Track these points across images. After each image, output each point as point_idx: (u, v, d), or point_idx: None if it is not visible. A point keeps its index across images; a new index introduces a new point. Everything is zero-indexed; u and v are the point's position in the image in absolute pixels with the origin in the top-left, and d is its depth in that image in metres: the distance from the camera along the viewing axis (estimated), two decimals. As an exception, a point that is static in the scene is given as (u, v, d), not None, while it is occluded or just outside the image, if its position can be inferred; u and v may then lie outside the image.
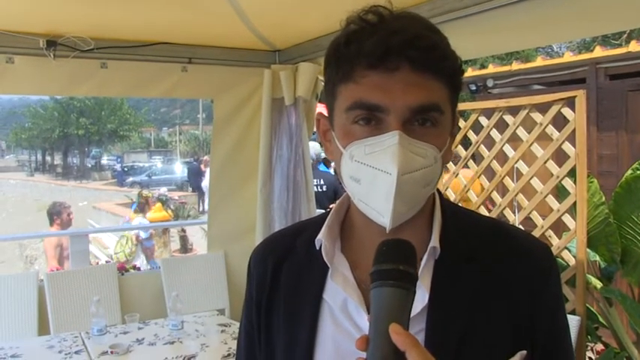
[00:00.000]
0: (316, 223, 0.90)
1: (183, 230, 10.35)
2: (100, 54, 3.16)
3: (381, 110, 0.76)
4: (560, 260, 2.73)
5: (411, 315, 0.69)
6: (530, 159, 2.86)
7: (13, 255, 12.37)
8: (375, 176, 0.76)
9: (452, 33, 0.81)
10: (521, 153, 2.94)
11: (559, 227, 2.88)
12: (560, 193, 2.98)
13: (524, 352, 0.79)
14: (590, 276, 2.94)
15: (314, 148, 5.33)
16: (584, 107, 2.59)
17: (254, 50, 3.59)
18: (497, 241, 0.86)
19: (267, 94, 3.55)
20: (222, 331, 3.02)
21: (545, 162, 2.79)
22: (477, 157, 3.44)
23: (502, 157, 3.08)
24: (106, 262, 6.36)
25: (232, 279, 3.93)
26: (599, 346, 3.21)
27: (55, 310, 3.42)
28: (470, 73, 6.61)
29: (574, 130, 2.62)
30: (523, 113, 2.88)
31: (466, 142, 3.43)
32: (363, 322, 0.80)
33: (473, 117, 3.25)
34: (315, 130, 3.80)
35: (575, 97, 2.60)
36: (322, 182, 4.99)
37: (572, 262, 2.69)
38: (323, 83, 2.53)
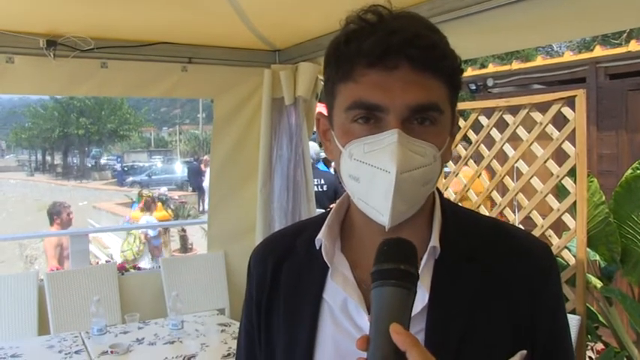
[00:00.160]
0: (316, 223, 0.90)
1: (184, 230, 10.35)
2: (100, 54, 3.16)
3: (380, 109, 0.76)
4: (560, 260, 2.73)
5: (412, 315, 0.69)
6: (530, 158, 2.86)
7: (13, 255, 12.38)
8: (374, 175, 0.76)
9: (451, 32, 0.82)
10: (521, 152, 2.94)
11: (559, 227, 2.88)
12: (560, 192, 2.98)
13: (525, 351, 0.79)
14: (590, 275, 2.94)
15: (313, 148, 5.33)
16: (584, 107, 2.59)
17: (254, 50, 3.59)
18: (497, 240, 0.86)
19: (267, 94, 3.54)
20: (222, 331, 3.02)
21: (545, 161, 2.79)
22: (477, 157, 3.44)
23: (502, 157, 3.08)
24: (106, 261, 6.36)
25: (232, 279, 3.93)
26: (600, 346, 3.21)
27: (55, 309, 3.42)
28: (470, 72, 6.61)
29: (574, 130, 2.62)
30: (523, 113, 2.88)
31: (469, 142, 3.42)
32: (363, 321, 0.80)
33: (473, 116, 3.25)
34: (314, 129, 3.79)
35: (575, 96, 2.60)
36: (322, 182, 4.99)
37: (572, 261, 2.69)
38: (323, 83, 2.53)
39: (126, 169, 31.45)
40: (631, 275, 2.99)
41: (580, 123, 2.59)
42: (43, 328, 3.40)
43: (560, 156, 2.74)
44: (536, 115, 2.81)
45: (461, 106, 3.15)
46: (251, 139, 3.73)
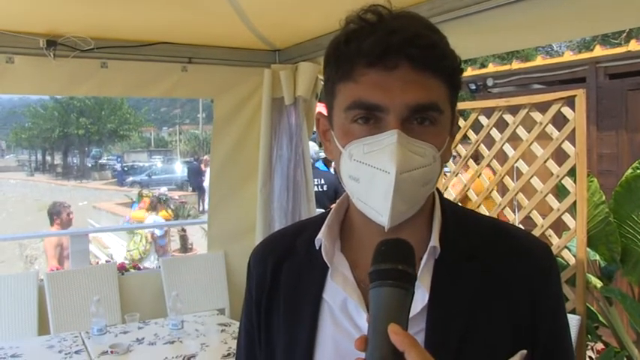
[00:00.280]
0: (316, 223, 0.90)
1: (184, 230, 10.35)
2: (100, 54, 3.16)
3: (380, 109, 0.76)
4: (560, 259, 2.73)
5: (411, 315, 0.69)
6: (530, 158, 2.86)
7: (13, 255, 12.38)
8: (373, 175, 0.76)
9: (451, 32, 0.82)
10: (521, 152, 2.94)
11: (559, 226, 2.88)
12: (560, 192, 2.98)
13: (525, 351, 0.79)
14: (590, 275, 2.94)
15: (312, 147, 5.33)
16: (584, 106, 2.59)
17: (254, 50, 3.59)
18: (497, 240, 0.86)
19: (267, 94, 3.55)
20: (222, 331, 3.02)
21: (545, 161, 2.79)
22: (478, 157, 3.44)
23: (502, 157, 3.08)
24: (106, 261, 6.36)
25: (232, 279, 3.93)
26: (600, 346, 3.21)
27: (55, 309, 3.42)
28: (470, 72, 6.61)
29: (574, 130, 2.62)
30: (523, 112, 2.88)
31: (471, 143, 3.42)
32: (363, 321, 0.80)
33: (473, 116, 3.25)
34: (314, 129, 3.80)
35: (575, 96, 2.60)
36: (323, 182, 4.99)
37: (572, 261, 2.69)
38: (323, 83, 2.53)
39: (126, 169, 31.45)
40: (631, 275, 2.99)
41: (580, 123, 2.59)
42: (43, 328, 3.40)
43: (560, 156, 2.74)
44: (536, 115, 2.81)
45: (461, 105, 3.15)
46: (251, 139, 3.73)
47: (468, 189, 3.33)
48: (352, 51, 0.77)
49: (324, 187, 4.96)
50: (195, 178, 18.64)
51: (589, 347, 3.26)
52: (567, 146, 2.67)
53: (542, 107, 2.79)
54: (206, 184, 10.65)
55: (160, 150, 42.60)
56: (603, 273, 3.08)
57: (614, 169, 5.02)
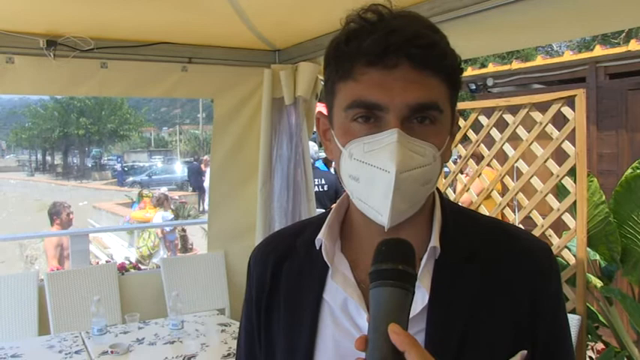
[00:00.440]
0: (316, 223, 0.90)
1: (184, 230, 10.34)
2: (100, 54, 3.16)
3: (380, 108, 0.76)
4: (560, 259, 2.73)
5: (412, 315, 0.69)
6: (530, 158, 2.86)
7: (14, 255, 12.38)
8: (373, 174, 0.76)
9: (451, 32, 0.82)
10: (521, 152, 2.94)
11: (559, 226, 2.88)
12: (560, 192, 2.98)
13: (525, 351, 0.79)
14: (590, 275, 2.94)
15: (312, 147, 5.33)
16: (584, 106, 2.59)
17: (254, 50, 3.59)
18: (497, 240, 0.85)
19: (267, 94, 3.55)
20: (222, 331, 3.02)
21: (545, 161, 2.79)
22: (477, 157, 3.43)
23: (502, 157, 3.08)
24: (106, 261, 6.36)
25: (232, 279, 3.93)
26: (600, 345, 3.21)
27: (55, 309, 3.42)
28: (470, 72, 6.61)
29: (574, 129, 2.62)
30: (523, 112, 2.88)
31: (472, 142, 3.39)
32: (364, 322, 0.80)
33: (473, 116, 3.25)
34: (314, 129, 3.79)
35: (574, 96, 2.60)
36: (323, 182, 4.98)
37: (572, 261, 2.69)
38: (323, 83, 2.53)
39: (126, 169, 31.46)
40: (631, 275, 2.99)
41: (580, 122, 2.59)
42: (43, 328, 3.40)
43: (560, 156, 2.74)
44: (536, 115, 2.81)
45: (461, 105, 3.15)
46: (251, 139, 3.73)
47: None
48: (352, 50, 0.77)
49: (325, 187, 4.96)
50: (195, 178, 18.63)
51: (589, 347, 3.26)
52: (567, 146, 2.67)
53: (542, 107, 2.79)
54: (206, 184, 10.66)
55: (160, 150, 42.64)
56: (603, 273, 3.08)
57: (614, 169, 5.02)
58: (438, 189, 0.87)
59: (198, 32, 3.26)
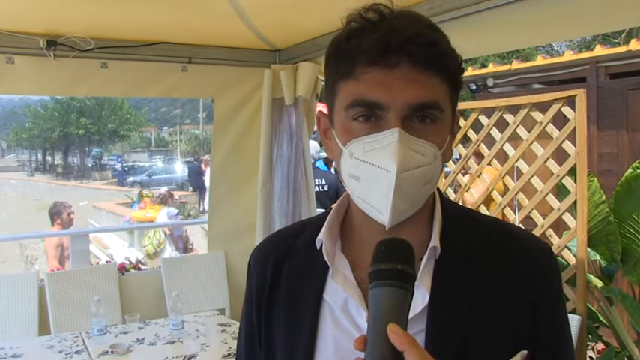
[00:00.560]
0: (317, 223, 0.90)
1: (184, 230, 10.35)
2: (101, 54, 3.16)
3: (380, 107, 0.76)
4: (560, 259, 2.73)
5: (412, 315, 0.69)
6: (531, 158, 2.86)
7: (14, 255, 12.37)
8: (374, 174, 0.76)
9: (452, 32, 0.81)
10: (522, 152, 2.94)
11: (559, 226, 2.88)
12: (560, 192, 2.98)
13: (525, 351, 0.79)
14: (590, 275, 2.94)
15: (314, 147, 5.33)
16: (585, 106, 2.59)
17: (254, 50, 3.59)
18: (498, 240, 0.85)
19: (267, 94, 3.55)
20: (223, 331, 3.02)
21: (546, 161, 2.79)
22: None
23: (502, 157, 3.08)
24: (107, 261, 6.36)
25: (232, 279, 3.93)
26: (600, 345, 3.21)
27: (55, 309, 3.42)
28: (470, 72, 6.61)
29: (574, 129, 2.61)
30: (523, 112, 2.88)
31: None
32: (364, 321, 0.80)
33: (473, 116, 3.25)
34: (314, 129, 3.79)
35: (575, 95, 2.60)
36: (324, 182, 4.98)
37: (572, 261, 2.69)
38: (323, 83, 2.52)
39: (126, 169, 31.45)
40: (631, 275, 2.99)
41: (580, 122, 2.59)
42: (43, 328, 3.40)
43: (560, 155, 2.74)
44: (537, 115, 2.81)
45: (461, 105, 3.14)
46: (251, 138, 3.73)
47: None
48: (353, 49, 0.77)
49: (325, 188, 4.96)
50: (195, 178, 18.62)
51: (589, 347, 3.26)
52: (567, 146, 2.67)
53: (543, 107, 2.79)
54: (207, 183, 10.67)
55: (161, 150, 42.64)
56: (604, 273, 3.08)
57: (615, 169, 5.02)
58: (438, 189, 0.87)
59: (199, 32, 3.26)
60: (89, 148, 37.74)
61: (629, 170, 2.95)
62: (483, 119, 3.19)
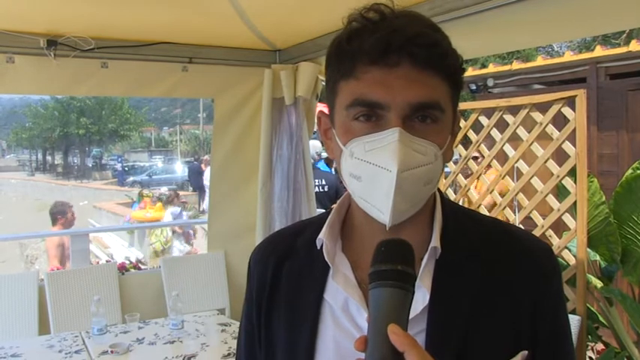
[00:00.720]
0: (317, 223, 0.90)
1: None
2: (101, 54, 3.16)
3: (381, 107, 0.76)
4: (560, 260, 2.73)
5: (412, 315, 0.68)
6: (531, 158, 2.86)
7: (14, 255, 12.37)
8: (375, 173, 0.76)
9: (452, 32, 0.81)
10: (522, 152, 2.94)
11: (559, 227, 2.88)
12: (560, 192, 2.98)
13: (526, 352, 0.79)
14: (590, 276, 2.94)
15: (315, 147, 5.33)
16: (585, 107, 2.59)
17: (254, 50, 3.59)
18: (498, 241, 0.85)
19: (267, 94, 3.55)
20: (223, 331, 3.02)
21: (546, 161, 2.79)
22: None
23: (502, 157, 3.08)
24: (107, 261, 6.36)
25: (232, 279, 3.93)
26: (600, 346, 3.21)
27: (55, 309, 3.42)
28: (470, 72, 6.61)
29: (574, 130, 2.61)
30: (523, 113, 2.88)
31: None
32: (364, 322, 0.80)
33: (473, 116, 3.25)
34: (315, 129, 3.79)
35: (575, 96, 2.60)
36: (324, 182, 4.99)
37: (572, 261, 2.69)
38: (323, 83, 2.53)
39: (126, 168, 31.44)
40: (631, 275, 2.99)
41: (580, 123, 2.59)
42: (43, 328, 3.40)
43: (560, 156, 2.74)
44: (537, 115, 2.81)
45: (461, 106, 3.13)
46: (251, 138, 3.73)
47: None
48: (354, 49, 0.77)
49: (325, 188, 4.97)
50: (195, 178, 18.61)
51: (589, 348, 3.26)
52: (568, 146, 2.67)
53: (543, 107, 2.79)
54: (207, 182, 10.68)
55: (161, 150, 42.64)
56: (603, 273, 3.08)
57: (615, 170, 5.02)
58: (439, 189, 0.87)
59: (199, 32, 3.26)
60: (89, 148, 37.73)
61: (629, 171, 2.95)
62: (483, 120, 3.19)
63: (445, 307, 0.79)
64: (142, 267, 5.09)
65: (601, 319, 3.01)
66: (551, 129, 2.76)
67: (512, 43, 2.88)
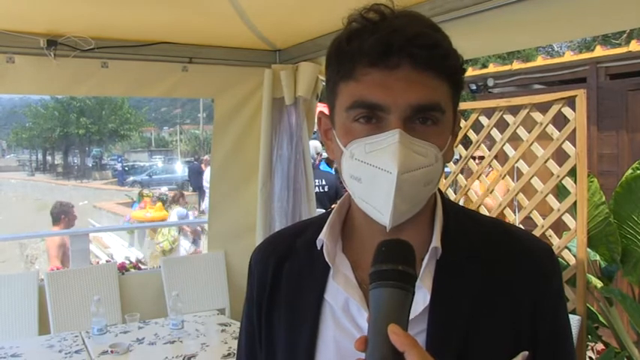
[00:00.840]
0: (317, 223, 0.90)
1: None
2: (101, 53, 3.16)
3: (381, 109, 0.76)
4: (560, 260, 2.73)
5: (413, 316, 0.68)
6: (531, 158, 2.86)
7: (14, 255, 12.37)
8: (375, 175, 0.76)
9: (452, 32, 0.81)
10: (522, 152, 2.94)
11: (559, 227, 2.87)
12: (560, 192, 2.98)
13: (527, 352, 0.79)
14: (590, 276, 2.94)
15: (316, 147, 5.33)
16: (585, 107, 2.59)
17: (254, 50, 3.59)
18: (499, 241, 0.85)
19: (267, 94, 3.55)
20: (223, 331, 3.02)
21: (546, 161, 2.78)
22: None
23: (502, 157, 3.08)
24: (107, 261, 6.36)
25: (232, 279, 3.93)
26: (600, 346, 3.21)
27: (55, 309, 3.42)
28: (470, 72, 6.61)
29: (574, 130, 2.61)
30: (523, 113, 2.88)
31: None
32: (365, 322, 0.80)
33: (473, 116, 3.25)
34: (315, 129, 3.78)
35: (575, 96, 2.60)
36: (324, 182, 4.99)
37: (572, 261, 2.69)
38: (323, 83, 2.53)
39: (126, 168, 31.43)
40: (631, 275, 2.99)
41: (580, 123, 2.59)
42: (43, 328, 3.40)
43: (560, 156, 2.74)
44: (537, 115, 2.81)
45: (461, 106, 3.12)
46: (251, 138, 3.73)
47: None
48: (354, 50, 0.77)
49: (325, 188, 4.97)
50: (195, 178, 18.59)
51: (589, 348, 3.26)
52: (568, 146, 2.67)
53: (543, 107, 2.78)
54: (206, 182, 10.68)
55: (161, 150, 42.65)
56: (603, 273, 3.08)
57: (615, 170, 5.02)
58: (439, 189, 0.87)
59: (199, 32, 3.26)
60: (89, 148, 37.72)
61: (629, 171, 2.95)
62: (484, 120, 3.19)
63: (446, 307, 0.79)
64: (142, 267, 5.08)
65: (601, 319, 3.01)
66: (551, 129, 2.76)
67: (512, 43, 2.89)
